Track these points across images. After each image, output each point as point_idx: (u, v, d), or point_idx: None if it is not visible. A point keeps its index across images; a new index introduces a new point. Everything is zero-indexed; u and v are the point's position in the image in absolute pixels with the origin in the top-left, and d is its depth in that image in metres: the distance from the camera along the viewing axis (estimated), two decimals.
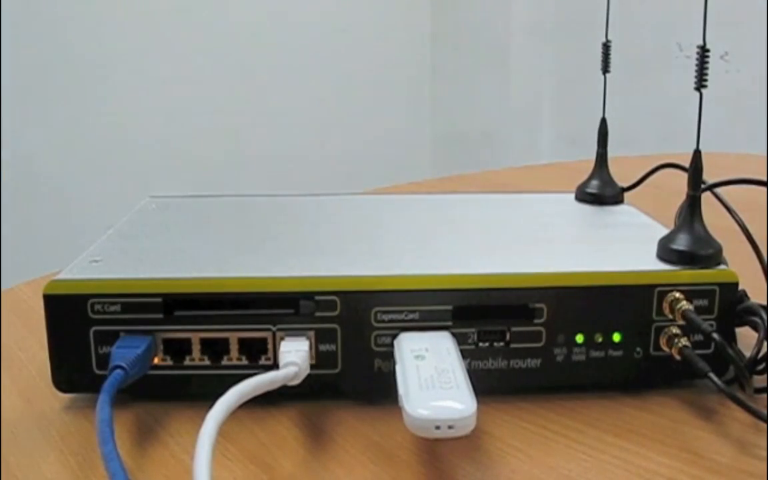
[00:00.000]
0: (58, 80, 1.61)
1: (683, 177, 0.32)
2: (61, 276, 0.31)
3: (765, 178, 0.36)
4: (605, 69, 0.41)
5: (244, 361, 0.31)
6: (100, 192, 1.65)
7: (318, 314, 0.30)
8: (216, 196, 0.44)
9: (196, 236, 0.37)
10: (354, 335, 0.30)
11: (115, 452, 0.24)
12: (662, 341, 0.31)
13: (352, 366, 0.31)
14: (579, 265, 0.31)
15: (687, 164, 0.31)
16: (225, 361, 0.31)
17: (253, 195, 0.45)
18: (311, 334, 0.30)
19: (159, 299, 0.30)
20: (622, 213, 0.41)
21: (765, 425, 0.28)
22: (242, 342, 0.31)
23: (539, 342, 0.31)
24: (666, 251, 0.32)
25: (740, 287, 0.32)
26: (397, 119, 2.09)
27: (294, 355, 0.29)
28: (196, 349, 0.31)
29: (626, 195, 0.43)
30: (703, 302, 0.31)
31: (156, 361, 0.31)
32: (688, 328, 0.31)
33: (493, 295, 0.31)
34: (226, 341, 0.31)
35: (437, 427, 0.24)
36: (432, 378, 0.26)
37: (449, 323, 0.31)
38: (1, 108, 1.54)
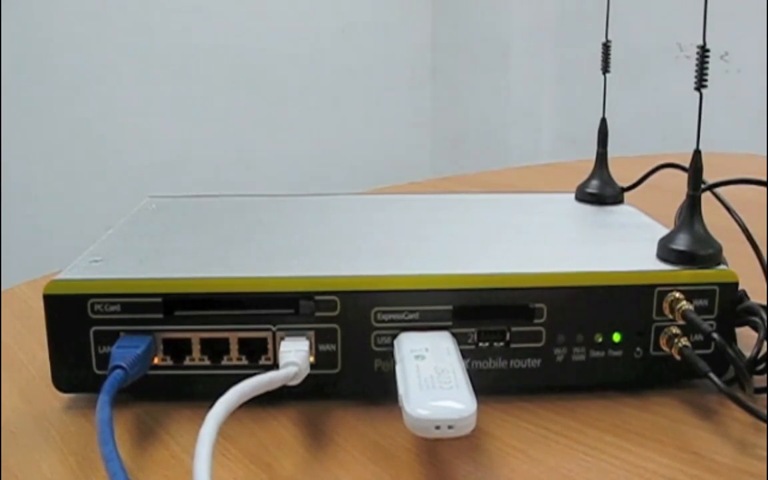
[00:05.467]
0: (59, 79, 1.61)
1: (683, 177, 0.32)
2: (61, 276, 0.31)
3: (765, 178, 0.36)
4: (605, 69, 0.41)
5: (244, 361, 0.31)
6: (100, 192, 1.65)
7: (318, 314, 0.30)
8: (216, 196, 0.44)
9: (196, 236, 0.37)
10: (354, 335, 0.30)
11: (115, 452, 0.24)
12: (662, 341, 0.31)
13: (352, 366, 0.31)
14: (579, 265, 0.31)
15: (687, 164, 0.31)
16: (225, 361, 0.31)
17: (253, 195, 0.45)
18: (311, 334, 0.30)
19: (159, 299, 0.30)
20: (622, 213, 0.41)
21: (765, 425, 0.28)
22: (242, 342, 0.31)
23: (539, 342, 0.31)
24: (666, 251, 0.32)
25: (740, 287, 0.32)
26: (397, 119, 2.09)
27: (294, 355, 0.29)
28: (196, 349, 0.31)
29: (626, 195, 0.43)
30: (703, 302, 0.31)
31: (156, 361, 0.31)
32: (688, 328, 0.31)
33: (493, 295, 0.31)
34: (226, 341, 0.31)
35: (437, 427, 0.24)
36: (432, 378, 0.26)
37: (449, 323, 0.31)
38: (1, 108, 1.54)
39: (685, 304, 0.30)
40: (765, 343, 0.30)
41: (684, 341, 0.31)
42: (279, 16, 1.87)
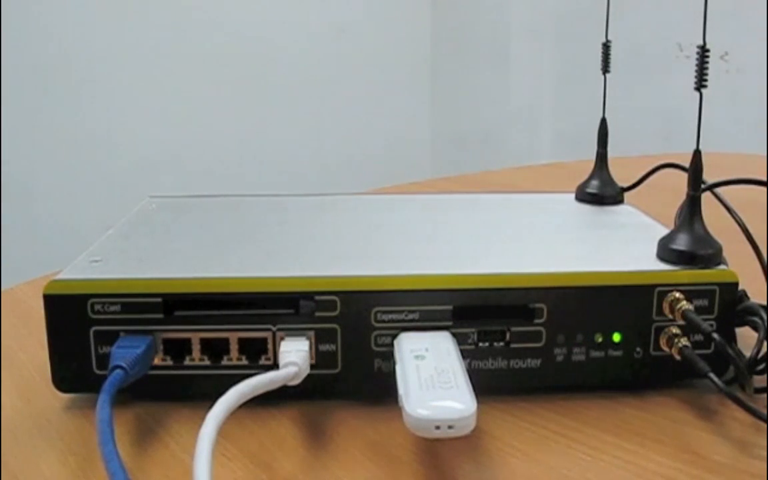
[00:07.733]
0: (59, 79, 1.61)
1: (683, 177, 0.32)
2: (61, 276, 0.31)
3: (765, 178, 0.36)
4: (605, 69, 0.41)
5: (244, 361, 0.31)
6: (100, 192, 1.65)
7: (318, 314, 0.30)
8: (216, 196, 0.44)
9: (196, 236, 0.37)
10: (354, 335, 0.30)
11: (115, 452, 0.24)
12: (662, 341, 0.31)
13: (352, 366, 0.31)
14: (579, 265, 0.31)
15: (687, 164, 0.31)
16: (225, 361, 0.31)
17: (253, 195, 0.45)
18: (311, 334, 0.30)
19: (159, 299, 0.30)
20: (622, 213, 0.41)
21: (765, 425, 0.28)
22: (242, 342, 0.31)
23: (539, 342, 0.31)
24: (666, 251, 0.32)
25: (740, 287, 0.32)
26: (397, 119, 2.09)
27: (294, 355, 0.29)
28: (196, 349, 0.31)
29: (626, 195, 0.43)
30: (703, 302, 0.31)
31: (156, 361, 0.31)
32: (688, 328, 0.31)
33: (493, 295, 0.31)
34: (226, 341, 0.31)
35: (437, 427, 0.24)
36: (432, 378, 0.26)
37: (449, 323, 0.31)
38: (1, 108, 1.54)
39: (685, 304, 0.30)
40: (765, 343, 0.30)
41: (684, 341, 0.31)
42: (279, 15, 1.87)
